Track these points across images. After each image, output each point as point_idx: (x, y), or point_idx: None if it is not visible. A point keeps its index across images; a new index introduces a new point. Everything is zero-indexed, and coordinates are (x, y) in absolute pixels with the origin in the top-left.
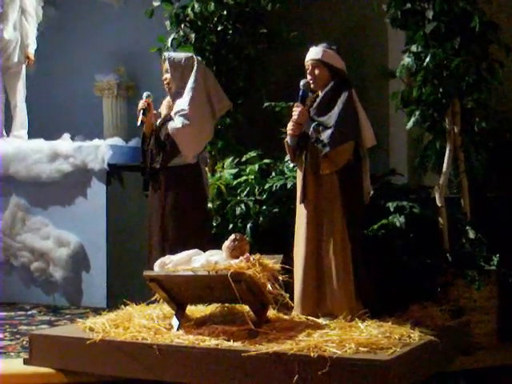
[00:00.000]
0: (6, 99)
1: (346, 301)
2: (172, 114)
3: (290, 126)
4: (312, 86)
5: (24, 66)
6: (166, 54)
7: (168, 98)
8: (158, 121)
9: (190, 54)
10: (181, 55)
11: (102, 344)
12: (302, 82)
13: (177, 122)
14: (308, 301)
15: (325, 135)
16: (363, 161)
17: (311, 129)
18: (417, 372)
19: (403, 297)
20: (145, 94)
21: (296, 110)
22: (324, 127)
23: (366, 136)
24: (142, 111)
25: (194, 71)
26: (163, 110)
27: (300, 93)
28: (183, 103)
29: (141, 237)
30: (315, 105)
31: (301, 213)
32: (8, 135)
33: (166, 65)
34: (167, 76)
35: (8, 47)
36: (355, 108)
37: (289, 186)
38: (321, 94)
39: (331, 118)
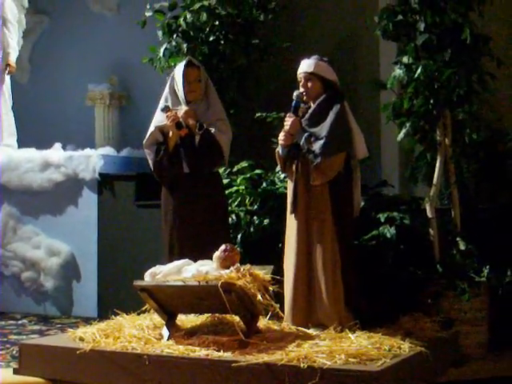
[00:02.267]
0: None
1: (336, 312)
2: (204, 121)
3: (281, 135)
4: (305, 98)
5: (7, 75)
6: (193, 59)
7: (185, 107)
8: (193, 123)
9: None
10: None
11: (92, 354)
12: (295, 93)
13: (223, 130)
14: (298, 311)
15: (316, 146)
16: (354, 172)
17: (303, 139)
18: (406, 383)
19: (393, 308)
20: (163, 106)
21: (288, 121)
22: (316, 138)
23: (358, 148)
24: (177, 125)
25: (209, 80)
26: (185, 118)
27: (293, 103)
28: (219, 111)
29: (132, 246)
30: (307, 116)
31: (291, 223)
32: None
33: (195, 72)
34: (199, 84)
35: None
36: (347, 120)
37: (280, 196)
38: (313, 105)
39: (323, 129)
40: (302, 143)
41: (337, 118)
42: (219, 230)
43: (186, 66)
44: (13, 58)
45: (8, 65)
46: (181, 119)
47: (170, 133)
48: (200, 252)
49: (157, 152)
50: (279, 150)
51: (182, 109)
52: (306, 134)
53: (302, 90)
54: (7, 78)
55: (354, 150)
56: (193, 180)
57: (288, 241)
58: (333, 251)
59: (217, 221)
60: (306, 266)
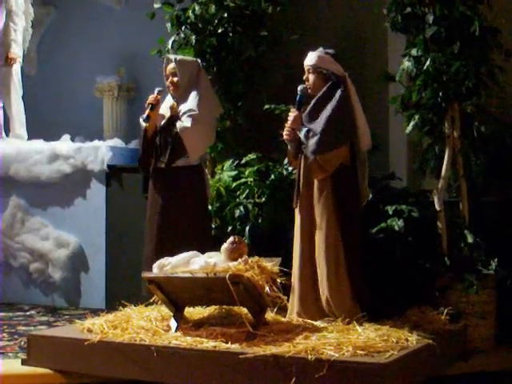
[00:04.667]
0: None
1: (341, 304)
2: (180, 114)
3: (284, 130)
4: (309, 91)
5: (18, 66)
6: (171, 56)
7: (170, 100)
8: (163, 121)
9: (194, 58)
10: (187, 58)
11: (100, 345)
12: (299, 87)
13: (186, 122)
14: (305, 303)
15: (311, 142)
16: (361, 164)
17: (302, 134)
18: (414, 376)
19: (401, 300)
20: (156, 90)
21: (290, 116)
22: (313, 133)
23: (362, 139)
24: (150, 106)
25: (202, 74)
26: (164, 111)
27: (297, 98)
28: (191, 104)
29: (140, 238)
30: (307, 110)
31: (296, 217)
32: (8, 136)
33: (172, 67)
34: (174, 78)
35: None
36: (347, 112)
37: (288, 188)
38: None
39: (318, 124)
40: (302, 139)
41: (333, 111)
42: (192, 223)
43: (165, 63)
44: (14, 50)
45: (8, 57)
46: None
47: (140, 122)
48: (176, 245)
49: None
50: (288, 144)
51: (168, 103)
52: (304, 130)
53: (306, 84)
54: (17, 68)
55: (359, 143)
56: (167, 172)
57: (295, 234)
58: (336, 245)
59: (190, 215)
60: (311, 259)
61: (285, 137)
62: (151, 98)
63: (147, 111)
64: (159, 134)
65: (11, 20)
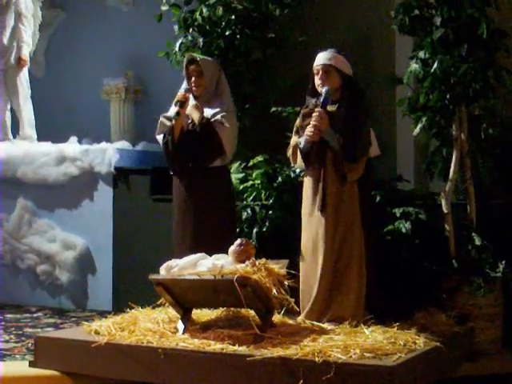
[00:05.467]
0: (11, 102)
1: (358, 307)
2: (209, 114)
3: (309, 130)
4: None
5: (19, 68)
6: (194, 55)
7: (192, 100)
8: (189, 121)
9: (212, 58)
10: (208, 58)
11: (107, 347)
12: (324, 89)
13: (224, 122)
14: (319, 306)
15: (351, 147)
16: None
17: (335, 139)
18: (421, 378)
19: (409, 303)
20: (184, 87)
21: (317, 116)
22: (346, 138)
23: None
24: (178, 103)
25: (222, 74)
26: (191, 111)
27: (321, 99)
28: (223, 104)
29: (147, 240)
30: (334, 114)
31: (308, 220)
32: (15, 137)
33: (194, 66)
34: (198, 78)
35: (7, 51)
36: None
37: (295, 191)
38: (336, 104)
39: (354, 129)
40: (332, 143)
41: (364, 116)
42: (220, 224)
43: (187, 63)
44: (25, 52)
45: (20, 58)
46: (182, 98)
47: (173, 121)
48: (203, 245)
49: (164, 137)
50: (301, 144)
51: (191, 103)
52: (337, 135)
53: (318, 82)
54: (25, 70)
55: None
56: (196, 173)
57: (309, 239)
58: (360, 246)
59: (217, 216)
60: (333, 262)
61: (308, 137)
62: (180, 96)
63: (177, 108)
64: (189, 135)
65: (21, 22)
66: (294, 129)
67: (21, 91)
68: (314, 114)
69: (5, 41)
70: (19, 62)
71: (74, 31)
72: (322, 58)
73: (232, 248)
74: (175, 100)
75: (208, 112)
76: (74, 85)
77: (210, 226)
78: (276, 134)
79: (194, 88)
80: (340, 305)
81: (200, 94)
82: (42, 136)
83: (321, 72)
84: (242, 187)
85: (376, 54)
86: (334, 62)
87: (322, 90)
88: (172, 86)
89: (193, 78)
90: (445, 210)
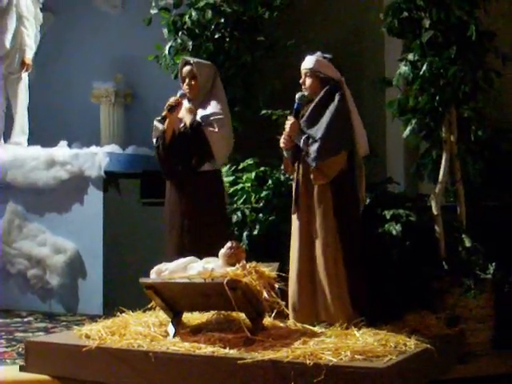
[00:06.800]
0: (7, 106)
1: (341, 310)
2: (199, 118)
3: (281, 138)
4: (306, 93)
5: (24, 72)
6: (188, 58)
7: (186, 103)
8: (181, 125)
9: (209, 62)
10: (204, 61)
11: (98, 351)
12: (297, 95)
13: (214, 126)
14: (303, 309)
15: (312, 149)
16: (358, 170)
17: (301, 141)
18: (412, 380)
19: (399, 305)
20: (179, 93)
21: (287, 123)
22: (313, 140)
23: (359, 145)
24: (169, 107)
25: (218, 78)
26: (184, 115)
27: (294, 106)
28: (215, 108)
29: (137, 244)
30: (305, 116)
31: (294, 223)
32: (6, 142)
33: (188, 69)
34: (192, 81)
35: (9, 55)
36: (346, 117)
37: (285, 194)
38: (312, 104)
39: (318, 130)
40: (301, 145)
41: (333, 117)
42: (210, 227)
43: (181, 65)
44: (29, 55)
45: (23, 62)
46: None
47: (166, 124)
48: (194, 248)
49: (156, 141)
50: (284, 151)
51: (185, 106)
52: (303, 137)
53: (304, 91)
54: (25, 76)
55: (356, 148)
56: (186, 177)
57: (292, 239)
58: (335, 249)
59: (207, 219)
60: (309, 264)
61: (282, 145)
62: (172, 100)
63: (164, 112)
64: (180, 138)
65: (23, 25)
66: None
67: (20, 98)
68: (286, 122)
69: (7, 44)
70: (22, 65)
71: (62, 35)
72: (305, 63)
73: (222, 251)
74: (167, 103)
75: (200, 115)
76: (64, 89)
77: (199, 230)
78: (266, 137)
79: (187, 90)
80: (324, 309)
81: (193, 97)
82: (32, 140)
83: (303, 76)
84: (232, 190)
85: (365, 57)
86: (315, 66)
87: (296, 97)
88: (162, 90)
89: (186, 80)
90: (435, 211)
